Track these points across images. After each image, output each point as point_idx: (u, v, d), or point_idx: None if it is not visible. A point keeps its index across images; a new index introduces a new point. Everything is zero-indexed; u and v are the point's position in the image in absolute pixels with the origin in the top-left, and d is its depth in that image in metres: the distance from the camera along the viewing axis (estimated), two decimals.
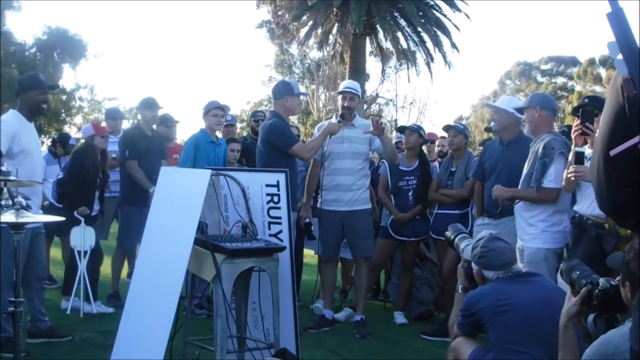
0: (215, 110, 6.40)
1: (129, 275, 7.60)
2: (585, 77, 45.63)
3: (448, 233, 4.17)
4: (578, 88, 44.82)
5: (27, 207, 3.63)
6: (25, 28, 60.02)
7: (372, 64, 28.29)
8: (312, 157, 5.87)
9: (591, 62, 45.65)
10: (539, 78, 49.86)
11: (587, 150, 4.27)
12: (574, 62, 48.88)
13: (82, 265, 6.12)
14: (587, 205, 4.21)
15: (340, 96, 6.02)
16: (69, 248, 6.37)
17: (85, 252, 6.19)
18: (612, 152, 1.60)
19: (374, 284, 7.38)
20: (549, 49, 75.53)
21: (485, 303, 3.34)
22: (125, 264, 7.12)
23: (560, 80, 49.38)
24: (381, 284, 7.76)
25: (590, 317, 2.65)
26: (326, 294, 6.08)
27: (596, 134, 2.17)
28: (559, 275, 4.80)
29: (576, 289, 2.79)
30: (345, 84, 6.31)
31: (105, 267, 7.07)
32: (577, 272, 2.84)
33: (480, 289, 3.50)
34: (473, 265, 3.61)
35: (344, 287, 7.52)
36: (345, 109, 5.93)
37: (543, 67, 50.55)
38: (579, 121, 4.23)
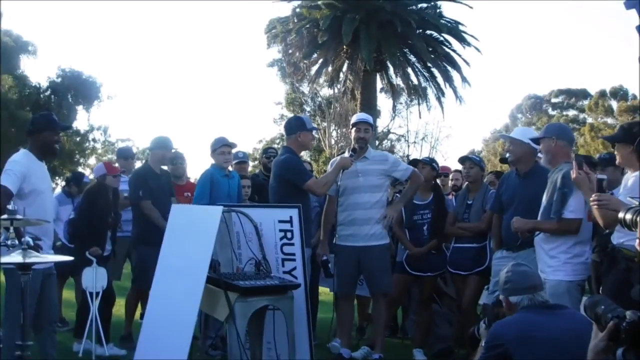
0: (222, 148, 6.37)
1: (142, 316, 7.50)
2: (596, 110, 45.51)
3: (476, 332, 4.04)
4: (589, 120, 44.71)
5: (37, 247, 3.55)
6: (40, 71, 60.99)
7: (383, 100, 28.45)
8: (325, 193, 5.79)
9: (602, 94, 45.59)
10: (550, 111, 49.85)
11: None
12: (584, 94, 48.87)
13: (94, 306, 6.02)
14: (621, 235, 4.03)
15: (354, 129, 5.95)
16: (81, 289, 6.27)
17: (97, 294, 6.09)
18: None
19: (392, 321, 7.21)
20: (559, 82, 75.77)
21: (514, 331, 3.23)
22: (139, 305, 7.01)
23: (571, 112, 49.36)
24: (399, 321, 7.59)
25: (619, 351, 2.53)
26: (343, 332, 5.91)
27: None
28: (581, 308, 4.71)
29: (602, 324, 2.68)
30: (358, 116, 6.26)
31: (118, 308, 6.96)
32: (602, 307, 2.73)
33: (506, 319, 3.40)
34: (501, 296, 3.53)
35: (361, 324, 7.36)
36: (360, 140, 5.86)
37: (554, 100, 50.58)
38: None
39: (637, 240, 2.87)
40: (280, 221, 4.47)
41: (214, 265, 4.08)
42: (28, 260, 3.00)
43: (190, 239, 4.17)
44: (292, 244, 4.46)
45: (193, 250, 4.09)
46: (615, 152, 4.42)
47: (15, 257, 3.00)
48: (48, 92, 30.83)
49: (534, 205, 4.88)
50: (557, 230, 4.62)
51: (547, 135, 4.85)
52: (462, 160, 6.42)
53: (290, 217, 4.46)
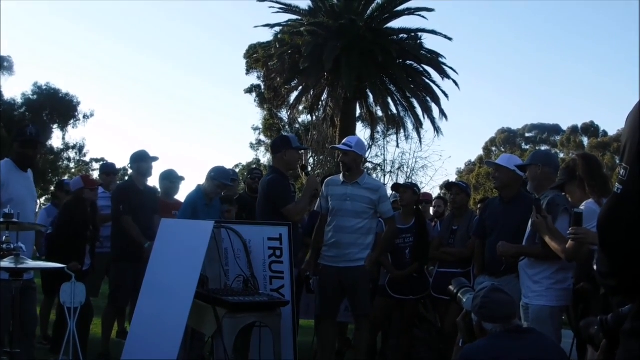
0: (221, 184, 6.29)
1: (119, 334, 7.37)
2: (568, 145, 46.38)
3: (451, 287, 4.09)
4: (562, 155, 45.55)
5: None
6: (14, 86, 60.32)
7: (361, 129, 28.62)
8: (301, 220, 5.76)
9: (574, 130, 46.49)
10: (524, 145, 50.64)
11: None
12: (557, 130, 49.81)
13: (72, 322, 5.90)
14: None
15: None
16: (59, 304, 6.15)
17: (76, 309, 5.97)
18: None
19: (371, 345, 7.17)
20: (532, 117, 77.07)
21: (480, 358, 3.20)
22: (115, 323, 6.88)
23: (544, 148, 50.27)
24: (378, 345, 7.55)
25: None
26: (325, 354, 5.87)
27: None
28: (562, 333, 4.76)
29: (596, 344, 2.71)
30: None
31: (93, 327, 6.83)
32: (596, 327, 2.76)
33: (476, 343, 3.37)
34: (473, 316, 3.51)
35: (340, 349, 7.31)
36: (343, 166, 5.88)
37: (527, 134, 51.44)
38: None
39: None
40: (269, 239, 4.46)
41: (202, 280, 4.05)
42: (20, 266, 2.94)
43: (179, 253, 4.13)
44: (281, 262, 4.44)
45: (182, 264, 4.05)
46: (567, 196, 4.55)
47: (8, 263, 2.93)
48: (23, 109, 30.49)
49: (516, 232, 4.91)
50: (541, 255, 4.65)
51: (533, 162, 4.92)
52: (449, 186, 6.48)
53: (280, 235, 4.45)
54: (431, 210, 8.12)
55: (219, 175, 6.26)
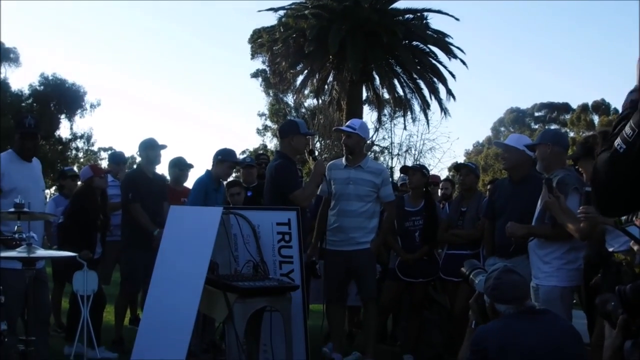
0: (231, 164, 6.33)
1: (131, 321, 7.44)
2: (578, 124, 46.03)
3: (464, 269, 4.08)
4: (572, 134, 45.25)
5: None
6: (21, 77, 60.47)
7: (368, 112, 28.56)
8: (308, 205, 5.78)
9: (584, 108, 46.11)
10: (533, 125, 50.33)
11: None
12: (566, 108, 49.42)
13: (86, 310, 5.95)
14: (612, 244, 4.11)
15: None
16: (72, 293, 6.21)
17: (89, 297, 6.03)
18: None
19: (381, 328, 7.21)
20: (542, 95, 76.56)
21: (493, 340, 3.20)
22: (128, 310, 6.93)
23: (553, 127, 49.90)
24: (388, 328, 7.59)
25: (628, 343, 2.57)
26: (335, 337, 5.91)
27: None
28: (573, 313, 4.75)
29: (613, 320, 2.71)
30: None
31: (106, 315, 6.90)
32: (612, 304, 2.77)
33: (490, 325, 3.37)
34: (485, 297, 3.50)
35: (350, 331, 7.36)
36: (346, 148, 5.88)
37: (536, 113, 51.10)
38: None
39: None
40: (278, 224, 4.47)
41: (212, 266, 4.07)
42: (33, 255, 2.97)
43: (189, 240, 4.15)
44: (290, 247, 4.45)
45: (192, 251, 4.07)
46: (581, 170, 4.52)
47: (20, 253, 2.97)
48: (30, 100, 30.56)
49: (526, 212, 4.88)
50: (551, 235, 4.63)
51: (542, 141, 4.88)
52: (458, 167, 6.45)
53: (289, 220, 4.46)
54: (439, 192, 8.10)
55: (227, 156, 6.28)
